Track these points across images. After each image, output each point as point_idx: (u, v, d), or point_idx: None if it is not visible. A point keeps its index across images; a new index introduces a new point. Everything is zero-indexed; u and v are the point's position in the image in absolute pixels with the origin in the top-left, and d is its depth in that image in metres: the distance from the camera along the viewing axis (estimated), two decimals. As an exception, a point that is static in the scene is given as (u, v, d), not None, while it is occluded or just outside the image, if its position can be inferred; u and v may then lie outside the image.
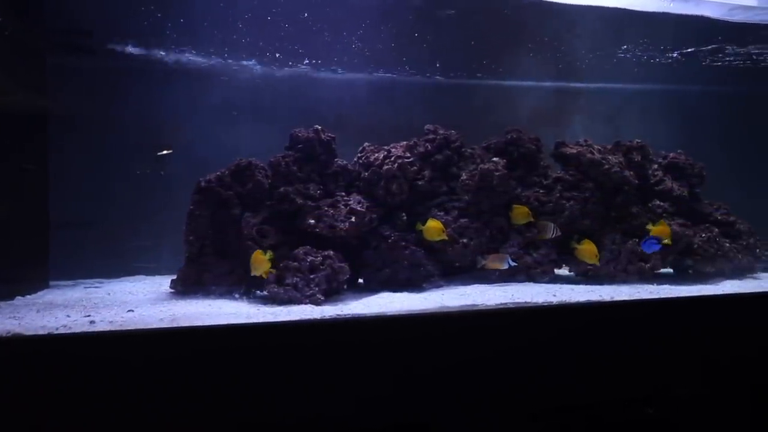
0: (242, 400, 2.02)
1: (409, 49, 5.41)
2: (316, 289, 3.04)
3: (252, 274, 3.07)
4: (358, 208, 3.43)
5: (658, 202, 4.18)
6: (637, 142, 4.20)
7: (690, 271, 4.09)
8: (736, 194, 4.63)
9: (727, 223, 4.27)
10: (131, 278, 4.17)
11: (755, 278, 4.06)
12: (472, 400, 2.29)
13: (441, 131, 4.00)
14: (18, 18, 3.52)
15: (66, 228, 3.96)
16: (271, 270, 3.07)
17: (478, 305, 2.88)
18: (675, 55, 5.98)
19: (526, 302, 2.98)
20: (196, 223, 3.46)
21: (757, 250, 4.19)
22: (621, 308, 2.83)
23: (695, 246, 3.96)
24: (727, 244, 4.07)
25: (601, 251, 3.67)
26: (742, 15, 5.36)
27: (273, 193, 3.49)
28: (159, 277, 4.11)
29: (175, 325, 2.36)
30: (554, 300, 3.02)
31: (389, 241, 3.48)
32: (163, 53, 4.92)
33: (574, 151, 4.00)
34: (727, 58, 6.11)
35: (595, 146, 4.10)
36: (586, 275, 3.82)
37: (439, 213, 3.75)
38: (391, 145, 3.80)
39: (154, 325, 2.35)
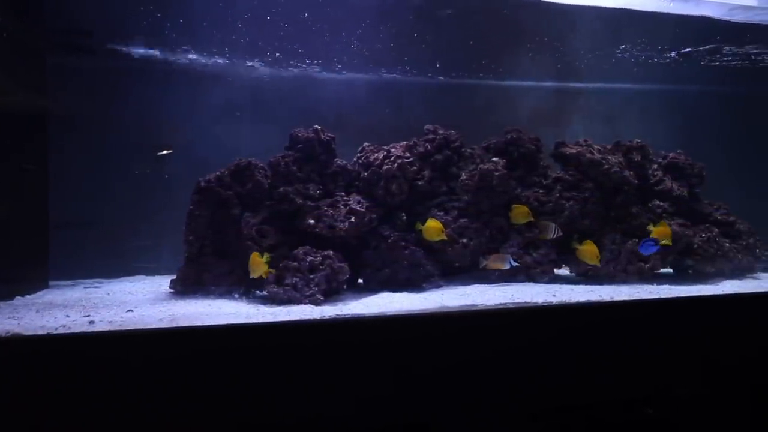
0: (242, 400, 2.02)
1: (409, 48, 5.40)
2: (316, 289, 3.04)
3: (251, 276, 3.08)
4: (358, 208, 3.43)
5: (657, 202, 4.18)
6: (637, 142, 4.20)
7: (690, 271, 4.09)
8: (736, 194, 4.62)
9: (726, 223, 4.27)
10: (131, 278, 4.17)
11: (755, 278, 4.06)
12: (472, 400, 2.29)
13: (441, 131, 4.00)
14: (18, 18, 3.52)
15: (66, 228, 3.96)
16: (271, 270, 3.08)
17: (477, 305, 2.88)
18: (673, 54, 5.98)
19: (525, 302, 2.98)
20: (196, 223, 3.46)
21: (757, 250, 4.19)
22: (621, 308, 2.83)
23: (695, 246, 3.96)
24: (727, 244, 4.07)
25: (601, 251, 3.67)
26: (742, 15, 5.36)
27: (273, 193, 3.49)
28: (159, 277, 4.11)
29: (174, 325, 2.36)
30: (554, 300, 3.02)
31: (389, 241, 3.47)
32: (162, 53, 4.92)
33: (574, 151, 4.00)
34: (725, 58, 6.11)
35: (595, 146, 4.10)
36: (585, 275, 3.82)
37: (438, 213, 3.75)
38: (391, 145, 3.79)
39: (154, 325, 2.35)
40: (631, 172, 4.00)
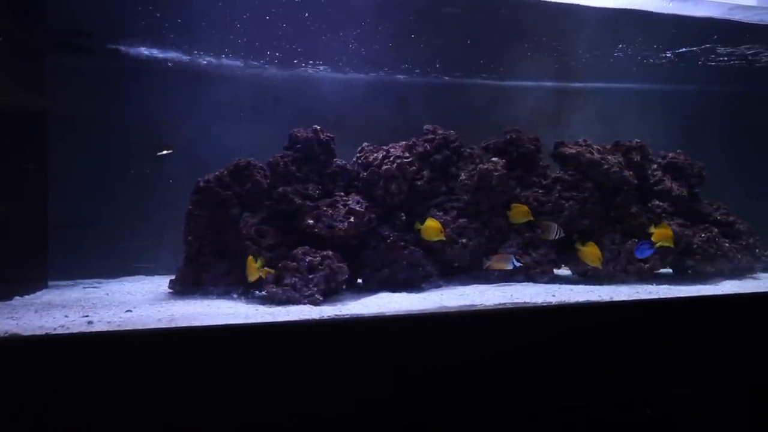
0: (241, 401, 2.02)
1: (408, 48, 5.40)
2: (315, 289, 3.04)
3: (248, 280, 3.10)
4: (357, 208, 3.43)
5: (657, 202, 4.18)
6: (637, 142, 4.19)
7: (689, 271, 4.09)
8: (736, 194, 4.62)
9: (726, 223, 4.26)
10: (130, 278, 4.17)
11: (755, 278, 4.06)
12: (471, 400, 2.29)
13: (440, 131, 4.00)
14: (17, 18, 3.52)
15: (65, 228, 3.95)
16: (270, 270, 3.08)
17: (477, 305, 2.87)
18: (668, 54, 5.97)
19: (525, 302, 2.98)
20: (195, 223, 3.46)
21: (757, 250, 4.19)
22: (620, 308, 2.82)
23: (695, 246, 3.95)
24: (727, 244, 4.07)
25: (601, 251, 3.66)
26: (741, 15, 5.36)
27: (272, 193, 3.49)
28: (158, 277, 4.11)
29: (173, 325, 2.35)
30: (553, 300, 3.02)
31: (388, 241, 3.47)
32: (162, 53, 4.92)
33: (574, 151, 4.00)
34: (721, 58, 6.11)
35: (595, 146, 4.10)
36: (585, 275, 3.82)
37: (438, 213, 3.75)
38: (390, 145, 3.79)
39: (153, 326, 2.34)
40: (631, 172, 3.99)
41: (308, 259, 3.15)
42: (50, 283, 3.73)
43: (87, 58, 4.46)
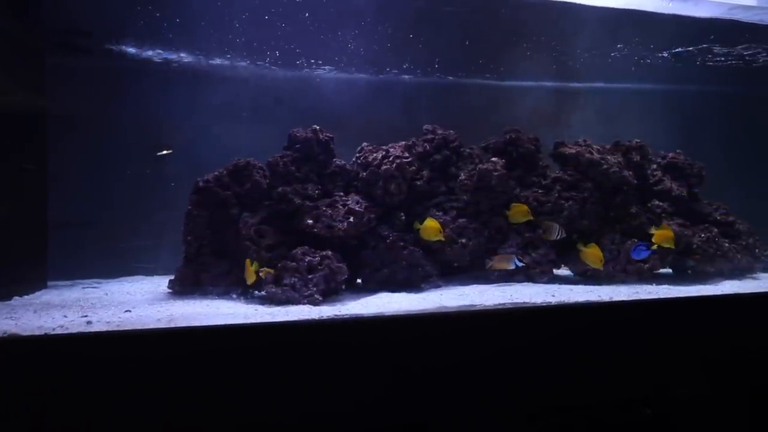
0: (240, 401, 2.02)
1: (408, 48, 5.40)
2: (314, 289, 3.03)
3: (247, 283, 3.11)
4: (357, 208, 3.43)
5: (657, 202, 4.18)
6: (636, 142, 4.19)
7: (689, 272, 4.09)
8: (736, 194, 4.62)
9: (726, 223, 4.26)
10: (130, 278, 4.16)
11: (754, 278, 4.06)
12: (471, 400, 2.29)
13: (439, 131, 4.00)
14: (17, 18, 3.52)
15: (65, 228, 3.95)
16: (269, 270, 3.08)
17: (476, 305, 2.87)
18: (665, 54, 5.97)
19: (524, 302, 2.98)
20: (195, 223, 3.46)
21: (757, 250, 4.18)
22: (620, 308, 2.82)
23: (694, 246, 3.95)
24: (727, 244, 4.07)
25: (601, 251, 3.66)
26: (741, 14, 5.35)
27: (271, 193, 3.49)
28: (158, 277, 4.11)
29: (172, 325, 2.35)
30: (553, 300, 3.02)
31: (387, 241, 3.47)
32: (161, 53, 4.91)
33: (573, 151, 4.00)
34: (718, 58, 6.11)
35: (594, 146, 4.10)
36: (584, 275, 3.82)
37: (437, 213, 3.74)
38: (390, 145, 3.79)
39: (152, 326, 2.34)
40: (631, 172, 3.99)
41: (307, 259, 3.14)
42: (49, 283, 3.73)
43: (86, 58, 4.46)
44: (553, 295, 3.14)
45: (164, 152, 4.66)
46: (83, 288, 3.67)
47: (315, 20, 4.83)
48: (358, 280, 3.55)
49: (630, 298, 3.10)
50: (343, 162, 3.77)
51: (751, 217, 4.38)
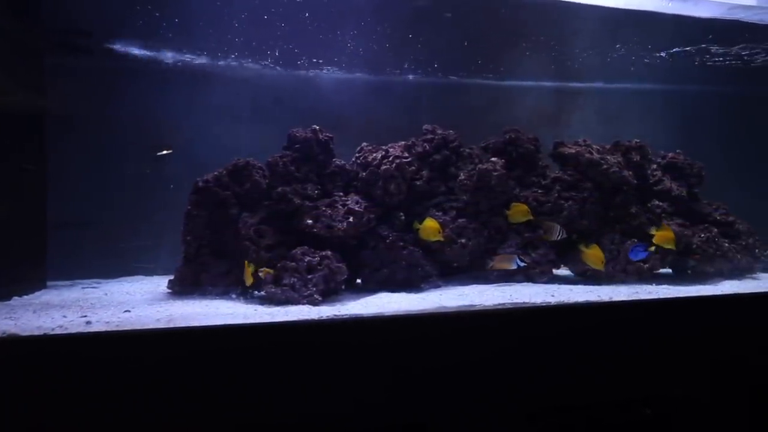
0: (239, 401, 2.01)
1: (407, 48, 5.40)
2: (314, 289, 3.03)
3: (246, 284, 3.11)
4: (356, 208, 3.43)
5: (657, 202, 4.18)
6: (636, 142, 4.19)
7: (689, 272, 4.09)
8: (736, 194, 4.62)
9: (726, 223, 4.26)
10: (129, 278, 4.16)
11: (754, 278, 4.06)
12: (470, 400, 2.29)
13: (439, 131, 3.99)
14: (16, 18, 3.51)
15: (64, 228, 3.95)
16: (269, 270, 3.08)
17: (476, 305, 2.87)
18: (663, 54, 5.97)
19: (524, 302, 2.97)
20: (194, 223, 3.46)
21: (756, 251, 4.18)
22: (620, 308, 2.82)
23: (694, 246, 3.95)
24: (726, 244, 4.06)
25: (602, 252, 3.66)
26: (741, 14, 5.35)
27: (271, 193, 3.49)
28: (157, 277, 4.11)
29: (172, 325, 2.35)
30: (552, 300, 3.01)
31: (387, 241, 3.47)
32: (160, 53, 4.91)
33: (573, 151, 4.00)
34: (716, 58, 6.10)
35: (594, 146, 4.10)
36: (584, 275, 3.82)
37: (437, 213, 3.74)
38: (389, 145, 3.79)
39: (151, 326, 2.34)
40: (630, 172, 3.99)
41: (307, 259, 3.14)
42: (49, 283, 3.72)
43: (86, 58, 4.45)
44: (553, 295, 3.13)
45: (164, 152, 4.66)
46: (83, 288, 3.67)
47: (315, 20, 4.83)
48: (358, 280, 3.54)
49: (630, 298, 3.10)
50: (342, 162, 3.77)
51: (751, 217, 4.38)
